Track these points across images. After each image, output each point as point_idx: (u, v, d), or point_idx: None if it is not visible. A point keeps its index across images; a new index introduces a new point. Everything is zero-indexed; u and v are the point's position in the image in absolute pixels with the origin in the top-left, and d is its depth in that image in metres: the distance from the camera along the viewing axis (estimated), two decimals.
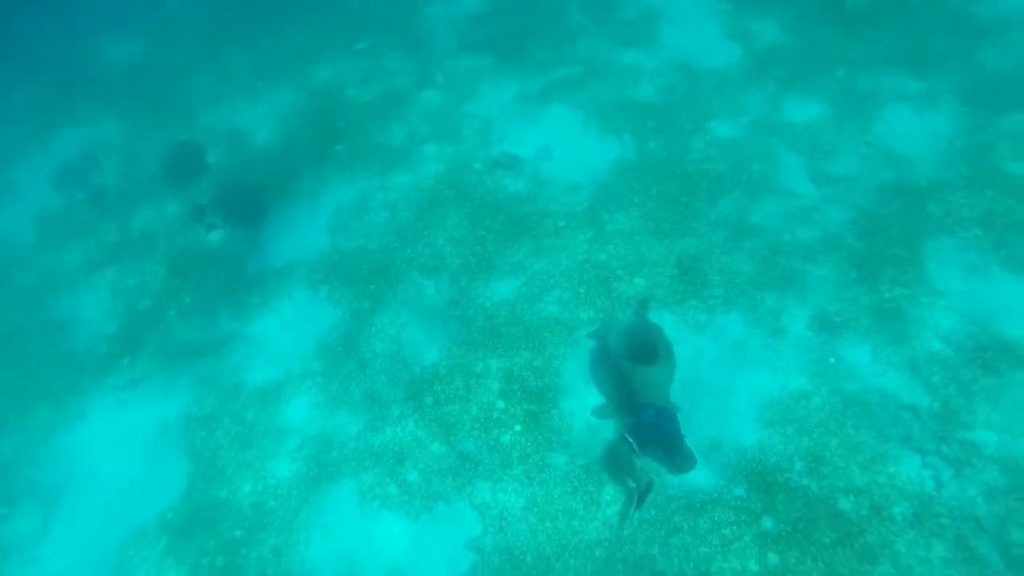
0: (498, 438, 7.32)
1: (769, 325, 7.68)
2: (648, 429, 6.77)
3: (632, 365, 7.13)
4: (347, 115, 12.32)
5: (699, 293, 8.07)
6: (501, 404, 7.59)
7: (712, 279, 8.17)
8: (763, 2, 11.97)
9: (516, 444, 7.23)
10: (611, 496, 6.72)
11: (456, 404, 7.69)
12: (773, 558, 6.09)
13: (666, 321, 7.83)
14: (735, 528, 6.31)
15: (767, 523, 6.29)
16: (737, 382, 7.27)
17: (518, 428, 7.35)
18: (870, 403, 6.92)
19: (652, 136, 10.20)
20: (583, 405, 7.44)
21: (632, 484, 6.67)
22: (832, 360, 7.25)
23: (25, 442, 8.87)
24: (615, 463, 6.87)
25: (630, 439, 6.73)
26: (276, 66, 13.93)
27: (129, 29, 16.65)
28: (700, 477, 6.70)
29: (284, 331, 9.02)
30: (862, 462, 6.54)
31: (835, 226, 8.46)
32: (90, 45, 16.39)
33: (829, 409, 6.92)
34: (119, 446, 8.58)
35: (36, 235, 12.06)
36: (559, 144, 10.60)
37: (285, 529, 7.29)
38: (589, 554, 6.42)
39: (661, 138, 10.14)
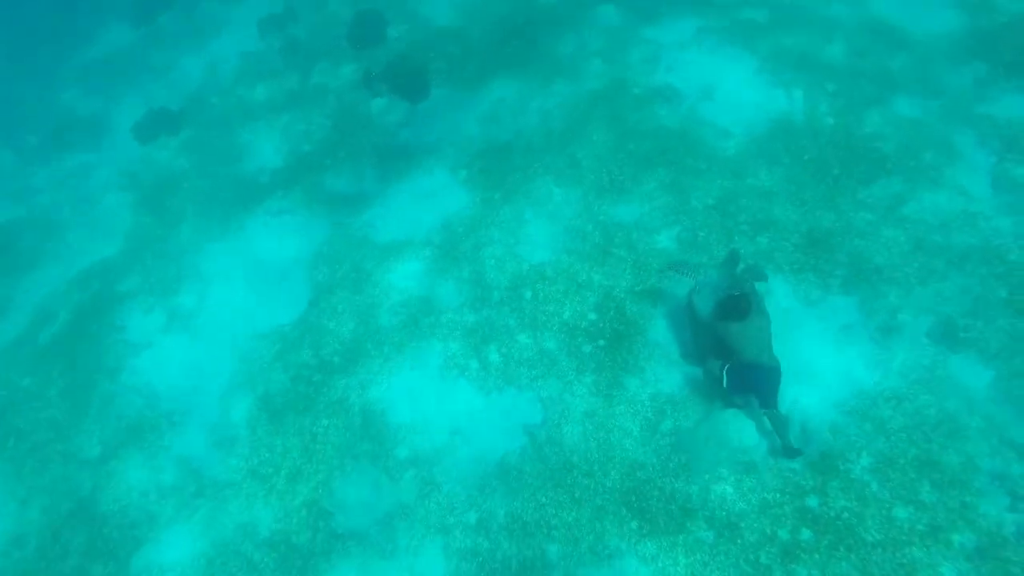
0: (580, 346, 7.72)
1: (884, 320, 7.30)
2: (745, 376, 6.71)
3: (726, 324, 6.84)
4: (527, 16, 12.50)
5: (820, 268, 7.77)
6: (593, 316, 7.92)
7: (838, 258, 7.80)
8: None
9: (595, 356, 7.60)
10: (669, 427, 6.96)
11: (552, 305, 8.12)
12: (806, 533, 6.13)
13: (777, 287, 7.67)
14: (779, 495, 6.37)
15: (812, 501, 6.29)
16: (829, 364, 7.08)
17: (602, 343, 7.69)
18: (970, 428, 6.51)
19: (826, 99, 9.56)
20: (668, 341, 7.60)
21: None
22: None
23: (196, 235, 10.50)
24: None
25: (724, 378, 6.77)
26: None
27: None
28: (756, 443, 6.74)
29: (417, 201, 9.79)
30: (938, 481, 6.26)
31: (1001, 239, 7.67)
32: None
33: (919, 419, 6.61)
34: (260, 262, 9.93)
35: (237, 69, 13.60)
36: (724, 87, 10.21)
37: (374, 369, 8.25)
38: (631, 472, 6.79)
39: (835, 103, 9.48)
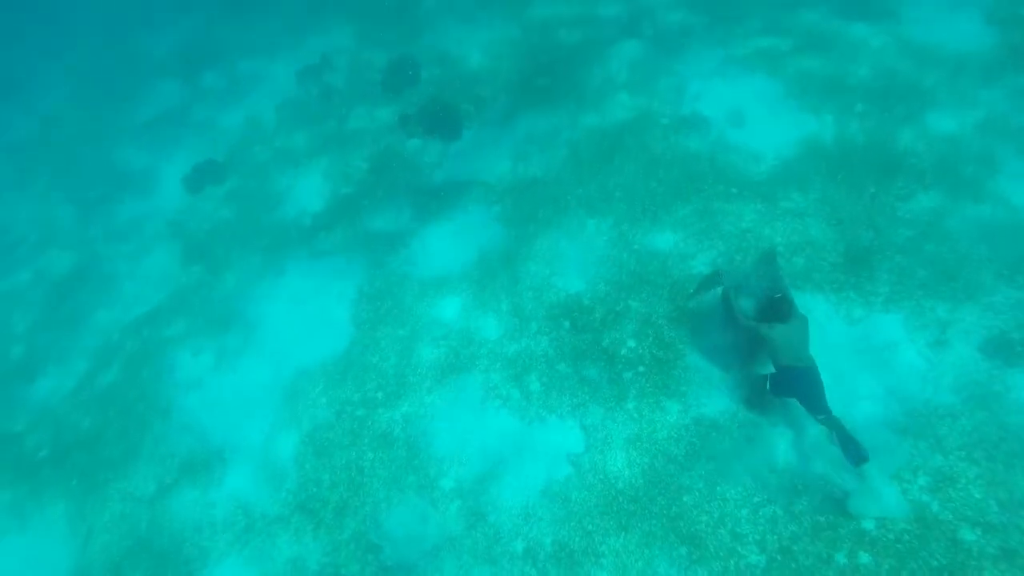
0: (621, 373, 7.72)
1: (932, 335, 7.15)
2: (789, 378, 6.57)
3: (769, 325, 6.69)
4: (552, 55, 12.88)
5: (861, 287, 7.68)
6: (632, 343, 7.94)
7: (879, 276, 7.71)
8: None
9: (636, 382, 7.59)
10: (715, 452, 6.87)
11: (590, 334, 8.18)
12: (865, 557, 5.95)
13: (817, 306, 7.60)
14: (832, 517, 6.21)
15: (868, 524, 6.11)
16: (876, 383, 6.94)
17: (642, 369, 7.68)
18: None
19: (856, 120, 9.57)
20: (708, 365, 7.56)
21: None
22: None
23: (241, 280, 10.91)
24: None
25: (768, 382, 6.72)
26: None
27: None
28: (803, 464, 6.61)
29: (454, 237, 10.03)
30: (1006, 500, 6.04)
31: None
32: None
33: (979, 436, 6.41)
34: (303, 301, 10.24)
35: (277, 119, 14.27)
36: (753, 113, 10.31)
37: (417, 402, 8.37)
38: (677, 498, 6.70)
39: (866, 123, 9.48)
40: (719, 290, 7.55)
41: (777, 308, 6.65)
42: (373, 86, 13.72)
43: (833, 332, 7.44)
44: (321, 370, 9.23)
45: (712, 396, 7.34)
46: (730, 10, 12.32)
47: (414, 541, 7.31)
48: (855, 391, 6.99)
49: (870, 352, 7.22)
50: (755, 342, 6.96)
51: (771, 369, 6.69)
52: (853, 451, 6.10)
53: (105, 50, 19.45)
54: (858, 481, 6.25)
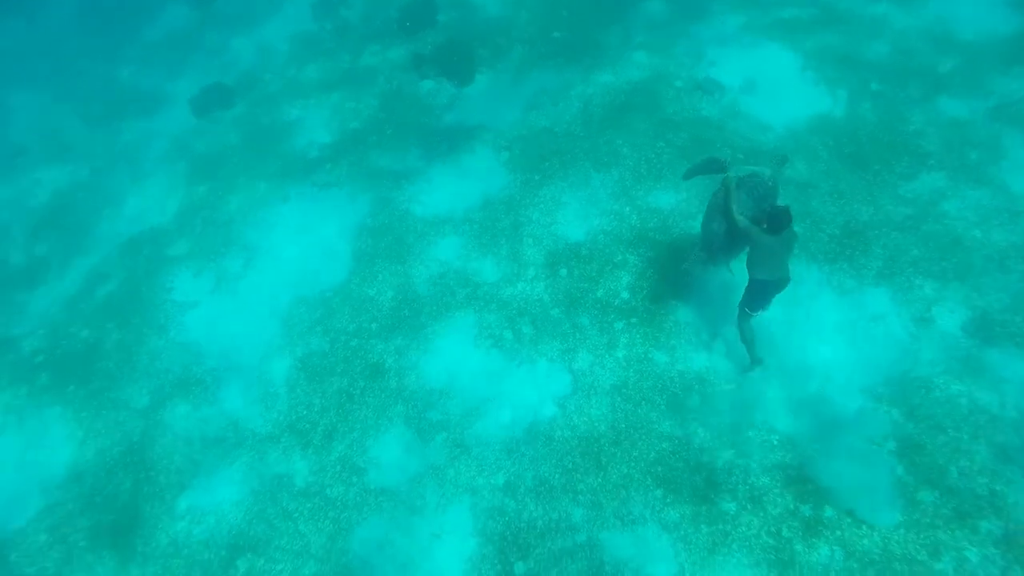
0: (612, 323, 7.91)
1: (917, 311, 7.36)
2: (759, 291, 6.70)
3: (762, 230, 6.41)
4: (573, 7, 12.72)
5: (853, 259, 7.84)
6: (625, 295, 8.11)
7: (874, 250, 7.87)
8: None
9: (626, 332, 7.79)
10: (697, 403, 7.12)
11: (586, 283, 8.34)
12: (830, 511, 6.23)
13: (810, 275, 7.77)
14: (803, 471, 6.49)
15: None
16: (859, 351, 7.17)
17: (634, 320, 7.87)
18: (1005, 420, 6.53)
19: (869, 98, 9.60)
20: (698, 321, 7.75)
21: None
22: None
23: (245, 205, 10.95)
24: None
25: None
26: None
27: None
28: (782, 423, 6.87)
29: (459, 179, 10.08)
30: (965, 468, 6.31)
31: None
32: None
33: (950, 407, 6.67)
34: (304, 231, 10.31)
35: (289, 50, 14.08)
36: (767, 82, 10.30)
37: (410, 336, 8.54)
38: (657, 444, 6.97)
39: (879, 102, 9.52)
40: (720, 176, 7.01)
41: (775, 217, 6.30)
42: (389, 24, 13.51)
43: (823, 301, 7.63)
44: (319, 298, 9.36)
45: (700, 353, 7.56)
46: None
47: (398, 468, 7.57)
48: (838, 359, 7.22)
49: (855, 323, 7.43)
50: (740, 240, 6.71)
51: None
52: (754, 356, 7.02)
53: None
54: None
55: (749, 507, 6.37)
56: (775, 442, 6.74)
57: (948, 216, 8.04)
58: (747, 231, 6.49)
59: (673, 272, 8.13)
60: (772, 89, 10.27)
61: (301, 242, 10.17)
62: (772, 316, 7.20)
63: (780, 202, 6.75)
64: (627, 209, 8.96)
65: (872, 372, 7.01)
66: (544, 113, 10.75)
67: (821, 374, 7.04)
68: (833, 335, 7.36)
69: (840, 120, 9.49)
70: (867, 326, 7.36)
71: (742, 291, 6.86)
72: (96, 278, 10.85)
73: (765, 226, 6.40)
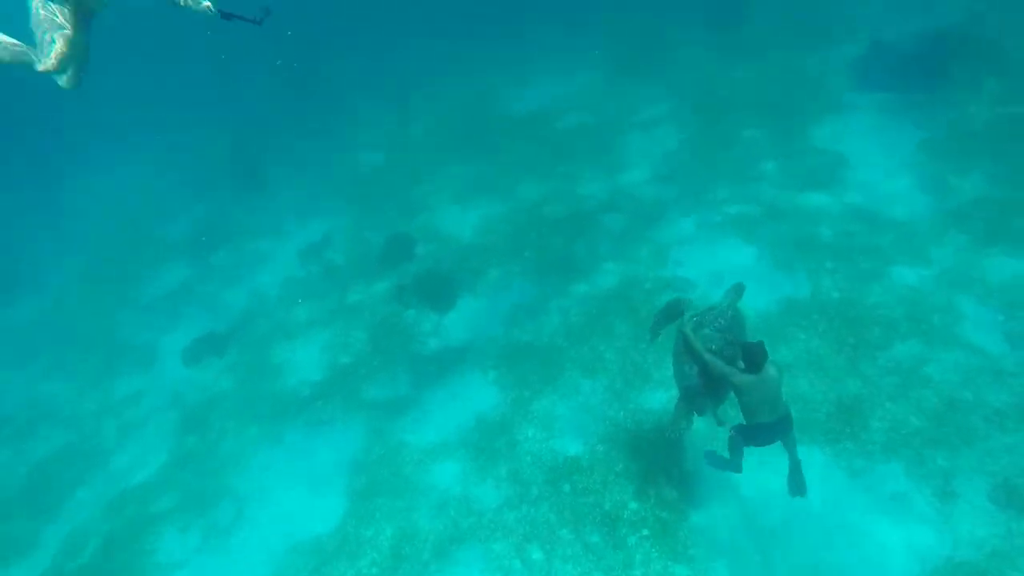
0: (625, 537, 7.46)
1: (937, 485, 7.10)
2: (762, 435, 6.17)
3: (740, 371, 5.96)
4: (539, 229, 13.92)
5: (856, 436, 7.75)
6: (634, 505, 7.76)
7: (873, 424, 7.81)
8: (968, 153, 11.73)
9: (641, 547, 7.31)
10: None
11: (591, 496, 8.02)
12: None
13: (815, 458, 7.59)
14: None
15: None
16: (890, 538, 6.76)
17: (646, 532, 7.44)
18: None
19: (828, 276, 10.23)
20: (713, 525, 7.35)
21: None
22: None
23: (236, 451, 10.73)
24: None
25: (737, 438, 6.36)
26: (487, 181, 16.28)
27: (376, 146, 20.64)
28: None
29: (450, 403, 10.14)
30: None
31: None
32: (347, 157, 20.52)
33: None
34: (297, 472, 10.02)
35: (279, 293, 14.91)
36: (732, 273, 10.95)
37: None
38: None
39: (837, 279, 10.13)
40: (680, 321, 6.84)
41: (750, 352, 5.83)
42: (371, 262, 14.55)
43: (836, 485, 7.37)
44: (314, 544, 8.82)
45: (719, 560, 7.06)
46: (695, 183, 13.62)
47: None
48: (870, 549, 6.77)
49: (878, 505, 7.10)
50: (719, 383, 6.25)
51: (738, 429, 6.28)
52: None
53: (119, 233, 20.70)
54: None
55: None
56: None
57: (934, 380, 8.15)
58: (725, 375, 6.06)
59: (678, 474, 7.91)
60: (738, 279, 10.89)
61: (294, 485, 9.82)
62: (791, 511, 6.89)
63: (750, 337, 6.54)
64: (621, 415, 8.96)
65: (913, 561, 6.53)
66: (524, 328, 11.19)
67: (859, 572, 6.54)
68: (857, 522, 6.98)
69: (806, 300, 9.99)
70: (890, 508, 7.03)
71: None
72: (67, 552, 10.17)
73: (743, 366, 6.00)
